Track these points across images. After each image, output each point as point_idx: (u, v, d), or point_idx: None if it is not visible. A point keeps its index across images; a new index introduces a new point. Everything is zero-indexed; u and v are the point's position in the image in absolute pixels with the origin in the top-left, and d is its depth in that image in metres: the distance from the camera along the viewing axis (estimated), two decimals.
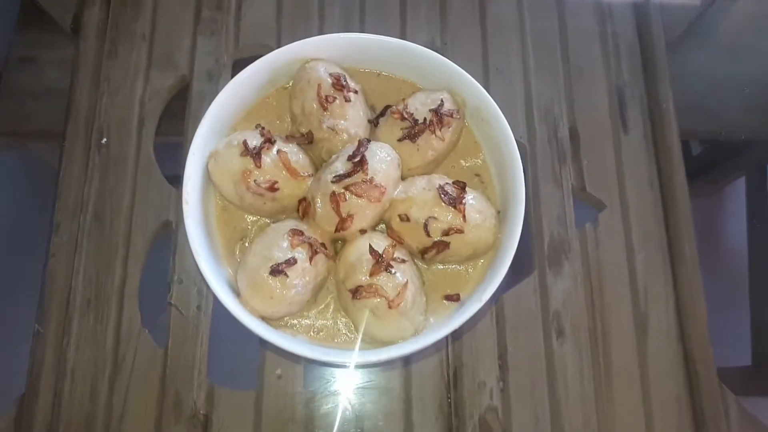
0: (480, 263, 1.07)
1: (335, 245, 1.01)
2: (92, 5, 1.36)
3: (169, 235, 1.25)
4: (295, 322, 0.98)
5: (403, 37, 1.41)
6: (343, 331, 0.99)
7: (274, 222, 1.01)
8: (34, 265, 1.17)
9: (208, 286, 1.15)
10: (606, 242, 1.26)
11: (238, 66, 1.35)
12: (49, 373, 1.10)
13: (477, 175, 1.08)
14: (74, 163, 1.25)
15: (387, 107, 1.06)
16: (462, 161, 1.09)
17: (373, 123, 1.05)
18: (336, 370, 1.18)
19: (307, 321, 0.99)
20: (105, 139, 1.29)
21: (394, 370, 1.13)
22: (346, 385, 1.17)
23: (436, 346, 1.19)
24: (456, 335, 1.20)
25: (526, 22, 1.41)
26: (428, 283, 1.02)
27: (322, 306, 1.00)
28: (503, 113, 1.06)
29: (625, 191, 1.30)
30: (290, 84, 1.09)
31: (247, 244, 1.02)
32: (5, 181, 1.37)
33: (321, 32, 1.41)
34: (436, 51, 1.10)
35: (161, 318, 1.19)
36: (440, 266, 1.03)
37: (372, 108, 1.09)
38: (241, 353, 1.21)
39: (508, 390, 1.13)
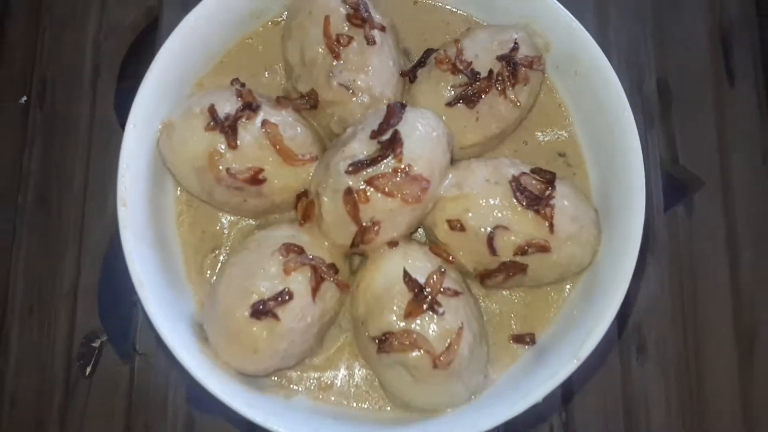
0: (568, 288, 0.79)
1: (350, 261, 0.78)
2: None
3: None
4: (292, 374, 0.75)
5: None
6: (363, 389, 0.76)
7: (260, 225, 0.79)
8: None
9: None
10: (703, 233, 1.07)
11: None
12: None
13: (561, 154, 0.83)
14: (7, 124, 1.06)
15: (429, 52, 0.82)
16: (539, 133, 0.84)
17: (409, 77, 0.81)
18: None
19: (311, 371, 0.76)
20: (25, 98, 1.01)
21: None
22: None
23: None
24: None
25: None
26: (488, 316, 0.79)
27: (333, 350, 0.77)
28: None
29: (729, 166, 1.09)
30: (283, 17, 0.85)
31: (221, 258, 0.79)
32: None
33: None
34: None
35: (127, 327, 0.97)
36: (506, 292, 0.80)
37: (405, 53, 0.86)
38: None
39: (572, 424, 0.97)
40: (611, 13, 1.12)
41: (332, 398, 0.75)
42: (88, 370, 0.95)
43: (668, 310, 1.02)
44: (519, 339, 0.77)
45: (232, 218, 0.81)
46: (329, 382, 0.76)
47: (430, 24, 0.86)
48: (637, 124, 1.08)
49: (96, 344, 0.97)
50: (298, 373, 0.76)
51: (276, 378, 0.75)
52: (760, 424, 0.98)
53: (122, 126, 1.04)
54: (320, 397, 0.75)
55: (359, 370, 0.76)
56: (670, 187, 1.10)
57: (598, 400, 0.99)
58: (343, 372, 0.76)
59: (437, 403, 0.71)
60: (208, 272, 0.79)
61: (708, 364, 1.00)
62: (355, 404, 0.75)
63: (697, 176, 1.08)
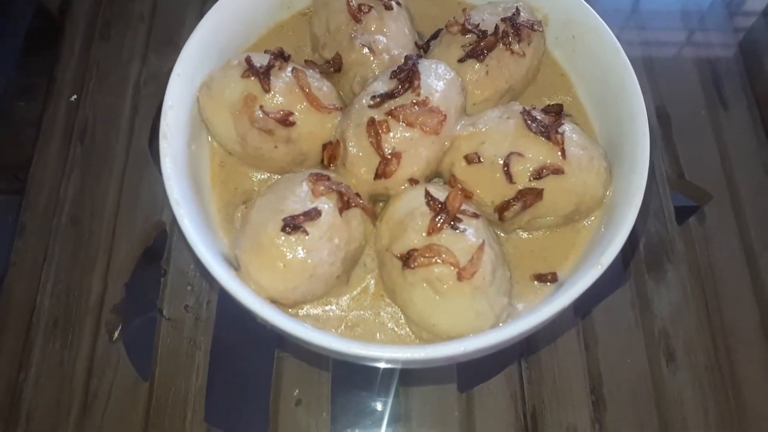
0: (585, 226, 0.78)
1: (375, 205, 0.80)
2: None
3: (162, 241, 1.04)
4: (319, 311, 0.74)
5: None
6: (389, 326, 0.74)
7: None
8: None
9: (204, 284, 0.95)
10: (717, 241, 1.07)
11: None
12: None
13: (567, 115, 0.85)
14: (49, 155, 1.11)
15: (439, 30, 0.89)
16: (546, 99, 0.89)
17: (422, 48, 0.86)
18: (375, 394, 0.90)
19: (337, 310, 0.75)
20: (75, 97, 1.08)
21: (450, 399, 0.92)
22: (390, 414, 0.90)
23: (505, 366, 0.94)
24: (531, 350, 0.95)
25: None
26: (509, 258, 0.79)
27: (358, 290, 0.76)
28: None
29: (733, 178, 1.13)
30: (310, 11, 0.92)
31: None
32: None
33: None
34: None
35: (147, 342, 0.96)
36: (524, 234, 0.80)
37: (420, 36, 0.91)
38: (249, 381, 0.94)
39: None
40: None
41: (358, 332, 0.73)
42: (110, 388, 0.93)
43: (693, 316, 1.00)
44: (541, 278, 0.76)
45: (262, 176, 0.82)
46: (355, 319, 0.74)
47: (441, 14, 0.91)
48: None
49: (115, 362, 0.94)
50: (323, 309, 0.75)
51: (303, 312, 0.74)
52: None
53: (155, 160, 1.10)
54: (346, 332, 0.73)
55: (385, 309, 0.75)
56: (680, 201, 1.11)
57: (632, 411, 0.94)
58: (368, 311, 0.75)
59: (462, 323, 0.68)
60: (238, 222, 0.79)
61: (742, 368, 0.97)
62: (380, 336, 0.73)
63: (704, 190, 1.10)
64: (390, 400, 0.89)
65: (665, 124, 1.16)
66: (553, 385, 0.94)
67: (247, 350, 0.93)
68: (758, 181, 1.11)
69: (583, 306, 1.00)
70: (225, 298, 0.80)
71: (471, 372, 0.91)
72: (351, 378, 0.89)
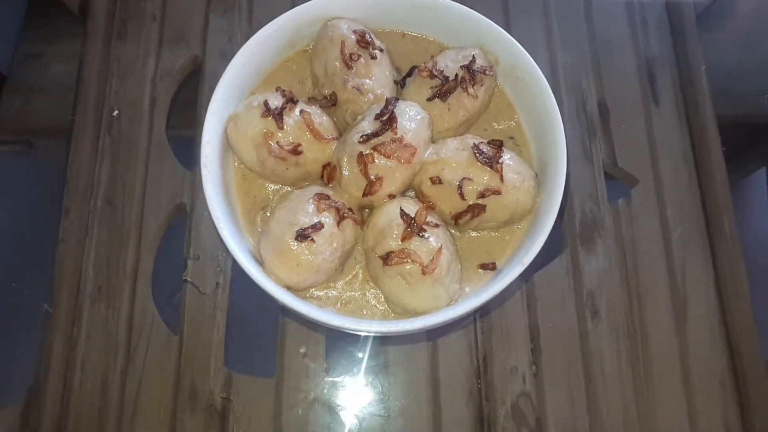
0: (517, 228, 1.00)
1: (363, 213, 0.99)
2: None
3: (183, 219, 1.22)
4: (321, 294, 0.94)
5: None
6: (372, 303, 0.94)
7: (296, 189, 0.98)
8: (47, 250, 1.14)
9: (227, 262, 1.13)
10: (640, 219, 1.22)
11: None
12: (59, 365, 1.07)
13: (511, 137, 1.04)
14: (84, 146, 1.23)
15: (413, 68, 1.03)
16: (495, 124, 1.05)
17: (400, 84, 1.03)
18: (361, 349, 1.12)
19: (334, 292, 0.94)
20: (116, 112, 1.24)
21: (419, 349, 1.10)
22: (372, 364, 1.09)
23: (464, 323, 1.14)
24: (484, 311, 1.15)
25: None
26: (462, 251, 0.97)
27: (350, 276, 0.95)
28: None
29: (658, 166, 1.28)
30: (311, 47, 1.06)
31: (268, 214, 0.97)
32: (14, 182, 1.30)
33: None
34: None
35: (175, 305, 1.13)
36: (474, 233, 1.01)
37: (397, 70, 1.06)
38: (260, 336, 1.15)
39: (541, 374, 1.10)
40: (558, 52, 1.33)
41: (350, 308, 0.94)
42: (148, 341, 1.09)
43: (616, 281, 1.15)
44: (484, 266, 0.95)
45: (275, 187, 0.99)
46: (348, 299, 0.94)
47: (415, 49, 1.07)
48: (582, 137, 1.31)
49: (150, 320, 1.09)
50: (325, 292, 0.93)
51: (309, 294, 0.93)
52: (694, 367, 1.11)
53: (171, 146, 1.24)
54: (341, 308, 0.93)
55: (370, 291, 0.94)
56: (612, 184, 1.23)
57: (562, 356, 1.10)
58: (358, 292, 0.93)
59: (426, 304, 0.89)
60: (259, 226, 0.96)
61: (650, 323, 1.14)
62: (366, 311, 0.94)
63: (633, 175, 1.24)
64: (373, 353, 1.08)
65: (605, 117, 1.28)
66: (500, 335, 1.11)
67: (256, 315, 1.11)
68: (677, 168, 1.25)
69: (526, 273, 1.13)
70: (239, 277, 0.97)
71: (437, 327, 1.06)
72: (341, 338, 1.09)
